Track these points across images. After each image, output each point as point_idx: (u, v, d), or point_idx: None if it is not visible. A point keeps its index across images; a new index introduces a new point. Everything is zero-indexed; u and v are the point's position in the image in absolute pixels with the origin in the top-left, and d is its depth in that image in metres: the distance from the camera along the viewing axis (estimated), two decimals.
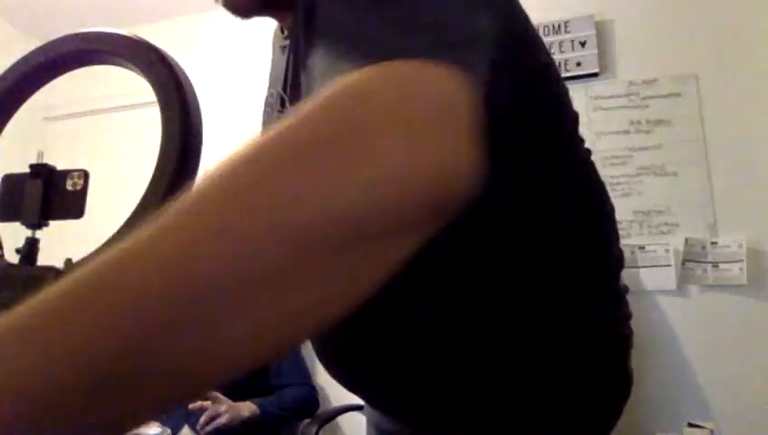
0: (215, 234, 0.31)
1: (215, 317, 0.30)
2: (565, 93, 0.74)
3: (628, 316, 0.82)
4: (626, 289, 0.83)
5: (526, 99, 0.66)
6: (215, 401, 1.89)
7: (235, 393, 2.01)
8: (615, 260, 0.80)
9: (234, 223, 0.31)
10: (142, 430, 1.88)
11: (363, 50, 0.42)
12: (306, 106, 0.37)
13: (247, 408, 1.96)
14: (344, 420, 2.34)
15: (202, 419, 1.86)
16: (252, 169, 0.34)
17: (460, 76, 0.41)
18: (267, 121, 0.84)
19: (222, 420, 1.87)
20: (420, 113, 0.37)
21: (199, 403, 1.88)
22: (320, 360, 0.81)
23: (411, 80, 0.39)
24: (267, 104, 0.86)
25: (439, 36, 0.44)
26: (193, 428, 1.93)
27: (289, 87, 0.77)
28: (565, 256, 0.70)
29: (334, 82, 0.38)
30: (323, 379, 2.29)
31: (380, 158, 0.35)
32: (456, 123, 0.39)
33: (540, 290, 0.68)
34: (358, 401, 2.14)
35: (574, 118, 0.75)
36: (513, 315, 0.68)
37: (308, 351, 2.22)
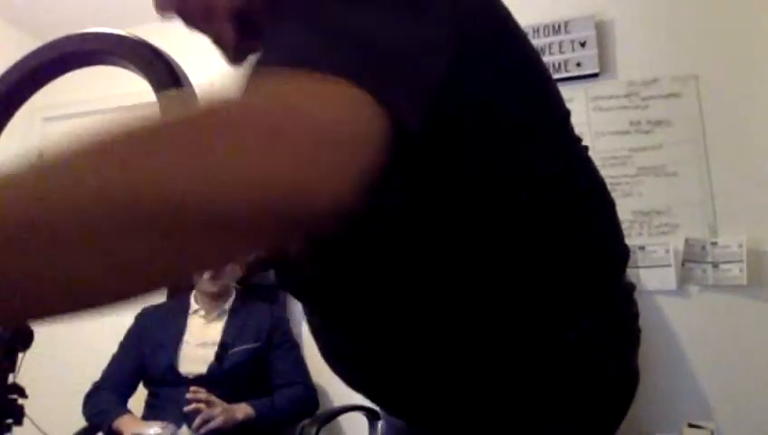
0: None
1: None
2: (551, 89, 0.73)
3: (635, 314, 0.80)
4: (632, 286, 0.81)
5: (503, 94, 0.65)
6: (209, 404, 1.89)
7: (235, 394, 2.01)
8: (618, 256, 0.78)
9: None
10: (143, 429, 1.88)
11: (295, 57, 0.44)
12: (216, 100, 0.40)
13: (242, 410, 1.95)
14: (344, 420, 2.34)
15: (196, 421, 1.86)
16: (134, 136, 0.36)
17: (373, 107, 0.43)
18: None
19: (216, 422, 1.87)
20: (312, 134, 0.39)
21: (194, 406, 1.88)
22: (328, 363, 0.81)
23: (322, 100, 0.41)
24: None
25: (370, 57, 0.45)
26: (192, 427, 1.93)
27: None
28: (561, 253, 0.69)
29: (258, 82, 0.42)
30: (324, 379, 2.29)
31: (248, 160, 0.37)
32: (343, 152, 0.41)
33: (535, 288, 0.68)
34: (358, 401, 2.16)
35: (565, 113, 0.74)
36: (510, 314, 0.68)
37: (308, 351, 2.22)
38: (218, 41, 0.73)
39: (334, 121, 0.41)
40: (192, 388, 1.90)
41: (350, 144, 0.41)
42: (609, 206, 0.77)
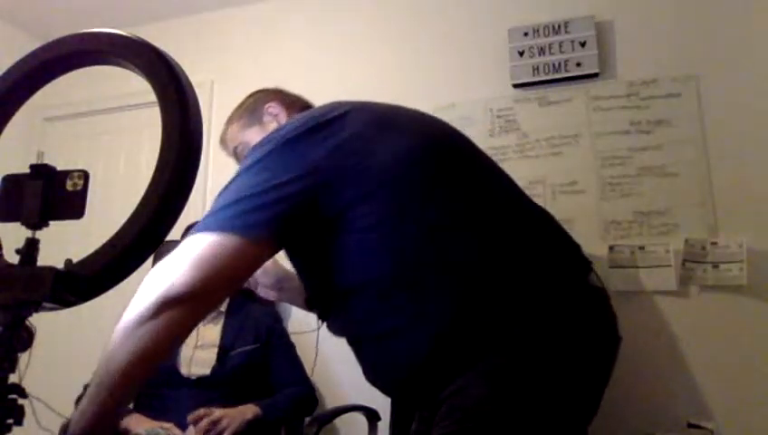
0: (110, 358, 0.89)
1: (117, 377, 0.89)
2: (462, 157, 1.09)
3: (594, 316, 1.04)
4: (597, 293, 1.08)
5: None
6: (215, 422, 1.88)
7: (238, 394, 2.03)
8: (563, 267, 1.05)
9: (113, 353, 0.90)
10: (140, 429, 1.88)
11: (204, 224, 0.94)
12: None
13: (251, 410, 1.97)
14: (343, 420, 2.34)
15: None
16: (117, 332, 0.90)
17: (241, 240, 0.91)
18: None
19: (229, 432, 1.88)
20: (206, 265, 0.90)
21: (205, 422, 1.87)
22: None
23: (214, 246, 0.90)
24: None
25: (242, 217, 0.92)
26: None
27: None
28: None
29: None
30: (318, 379, 2.30)
31: (169, 283, 0.89)
32: (205, 268, 0.90)
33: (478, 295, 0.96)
34: (356, 401, 2.16)
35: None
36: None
37: (302, 353, 2.23)
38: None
39: (212, 258, 0.90)
40: (189, 417, 1.88)
41: (222, 268, 0.91)
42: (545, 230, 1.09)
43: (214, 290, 0.92)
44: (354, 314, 1.03)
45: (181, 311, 0.88)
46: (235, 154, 1.39)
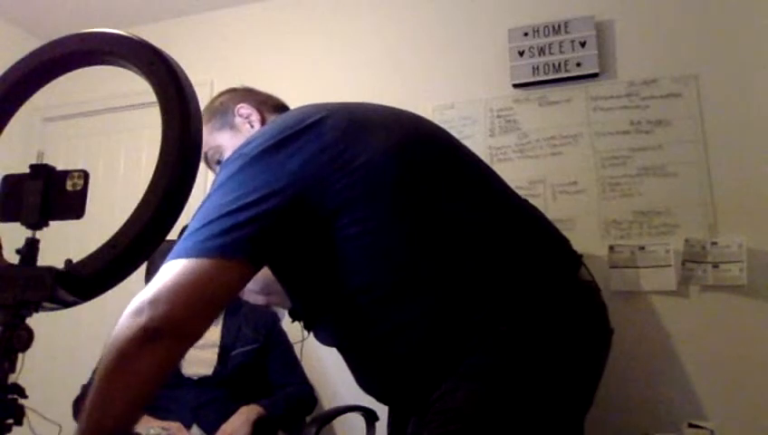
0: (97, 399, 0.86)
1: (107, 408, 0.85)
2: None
3: (582, 312, 1.02)
4: (586, 289, 1.07)
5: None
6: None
7: (239, 394, 2.04)
8: (545, 265, 1.03)
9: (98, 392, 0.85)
10: (141, 429, 1.88)
11: (178, 250, 0.90)
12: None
13: (254, 410, 1.99)
14: (341, 421, 2.34)
15: None
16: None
17: (221, 262, 0.88)
18: None
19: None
20: (192, 296, 0.87)
21: None
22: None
23: (193, 272, 0.87)
24: None
25: (219, 238, 0.88)
26: (202, 426, 1.94)
27: None
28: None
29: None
30: (315, 379, 2.31)
31: (148, 317, 0.84)
32: (197, 300, 0.87)
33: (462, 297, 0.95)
34: (353, 401, 2.16)
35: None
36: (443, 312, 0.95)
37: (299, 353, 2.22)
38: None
39: (194, 285, 0.87)
40: None
41: (204, 294, 0.88)
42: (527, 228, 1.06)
43: (199, 318, 0.88)
44: (345, 321, 1.01)
45: (166, 344, 0.84)
46: (206, 159, 1.32)
